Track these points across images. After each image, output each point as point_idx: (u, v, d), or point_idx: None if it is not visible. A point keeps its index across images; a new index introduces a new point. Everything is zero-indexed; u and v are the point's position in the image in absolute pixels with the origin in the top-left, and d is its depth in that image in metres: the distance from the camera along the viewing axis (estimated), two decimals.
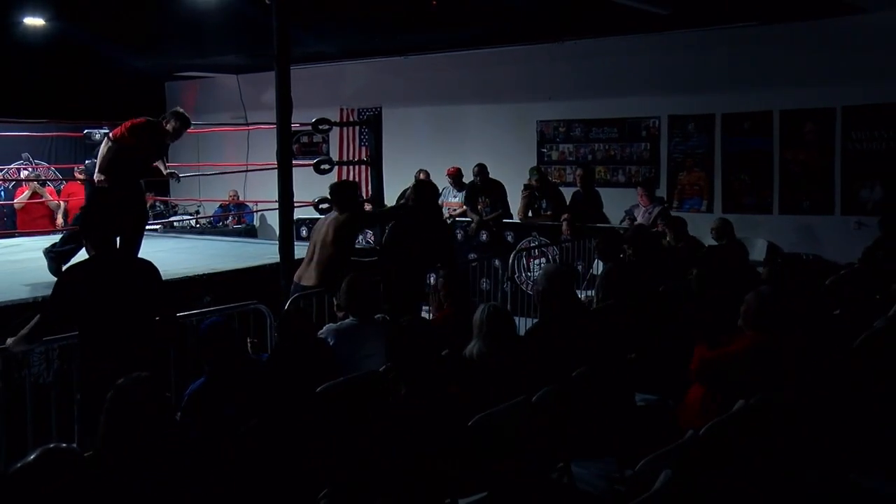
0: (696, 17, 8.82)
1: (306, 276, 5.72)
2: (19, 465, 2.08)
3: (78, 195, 10.63)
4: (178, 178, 7.58)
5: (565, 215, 8.56)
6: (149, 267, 4.16)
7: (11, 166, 11.48)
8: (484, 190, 9.36)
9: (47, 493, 2.05)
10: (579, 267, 8.10)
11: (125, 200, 6.08)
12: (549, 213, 8.98)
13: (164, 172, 6.90)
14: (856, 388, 3.70)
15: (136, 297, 3.97)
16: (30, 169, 11.63)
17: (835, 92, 8.78)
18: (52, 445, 2.14)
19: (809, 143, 9.07)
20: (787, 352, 3.65)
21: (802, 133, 9.10)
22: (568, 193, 9.28)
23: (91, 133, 8.11)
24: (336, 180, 6.70)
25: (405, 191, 7.47)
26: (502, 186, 9.38)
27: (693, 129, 9.85)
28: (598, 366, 3.84)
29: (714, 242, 7.05)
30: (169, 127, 6.27)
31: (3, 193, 10.86)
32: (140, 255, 7.07)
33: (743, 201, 9.51)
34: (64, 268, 3.93)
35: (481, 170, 9.37)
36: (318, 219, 6.23)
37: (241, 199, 12.31)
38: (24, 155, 11.66)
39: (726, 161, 9.62)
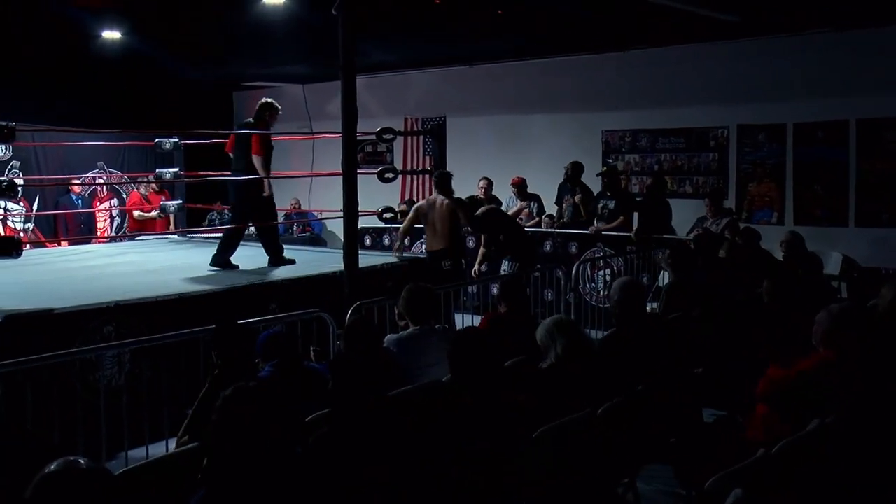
0: (767, 24, 8.64)
1: (435, 244, 7.64)
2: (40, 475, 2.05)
3: (135, 207, 10.95)
4: None
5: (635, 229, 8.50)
6: None
7: (88, 174, 11.92)
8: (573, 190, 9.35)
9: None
10: (645, 279, 8.00)
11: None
12: (609, 209, 8.90)
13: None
14: None
15: None
16: (105, 177, 12.06)
17: None
18: (71, 458, 2.11)
19: (889, 153, 8.78)
20: (861, 371, 3.54)
21: (882, 142, 8.82)
22: None
23: (162, 142, 8.35)
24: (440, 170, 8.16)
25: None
26: (589, 192, 9.34)
27: (763, 138, 9.64)
28: (665, 379, 3.79)
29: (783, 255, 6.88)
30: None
31: (80, 202, 11.25)
32: (208, 263, 7.29)
33: (816, 213, 9.27)
34: None
35: (574, 167, 9.26)
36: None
37: (303, 207, 12.50)
38: (99, 164, 12.10)
39: (798, 171, 9.38)
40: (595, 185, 9.33)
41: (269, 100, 7.38)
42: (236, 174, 7.31)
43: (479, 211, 7.97)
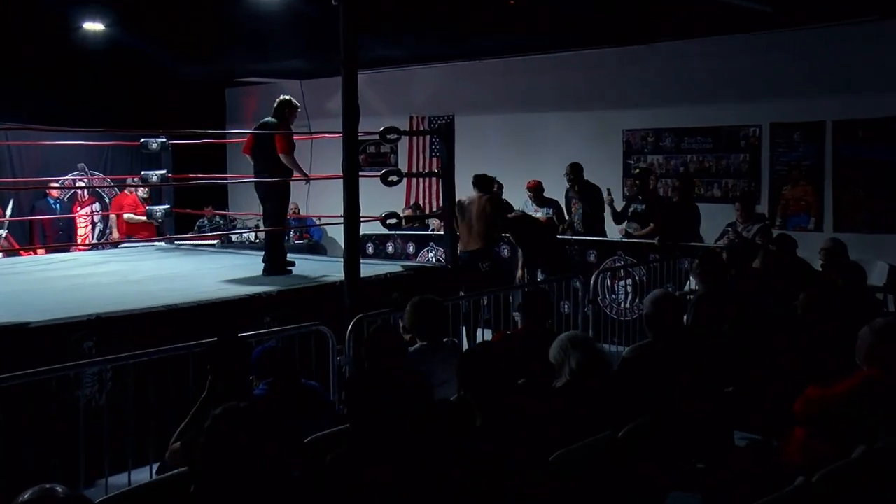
0: (803, 13, 8.61)
1: (471, 244, 7.95)
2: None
3: (128, 208, 10.95)
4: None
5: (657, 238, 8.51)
6: None
7: (67, 177, 11.94)
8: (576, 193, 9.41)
9: None
10: (669, 289, 7.96)
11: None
12: (641, 209, 8.97)
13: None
14: None
15: None
16: (86, 180, 12.06)
17: None
18: (47, 486, 2.10)
19: None
20: None
21: None
22: None
23: (148, 142, 8.32)
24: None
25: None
26: (598, 191, 9.36)
27: (799, 138, 9.60)
28: (693, 399, 3.76)
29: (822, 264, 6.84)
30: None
31: (58, 206, 11.26)
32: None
33: (857, 218, 9.21)
34: None
35: (573, 169, 9.35)
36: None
37: (301, 213, 12.51)
38: (80, 165, 12.10)
39: (838, 173, 9.34)
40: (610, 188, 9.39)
41: (288, 97, 7.46)
42: (261, 176, 7.35)
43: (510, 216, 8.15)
